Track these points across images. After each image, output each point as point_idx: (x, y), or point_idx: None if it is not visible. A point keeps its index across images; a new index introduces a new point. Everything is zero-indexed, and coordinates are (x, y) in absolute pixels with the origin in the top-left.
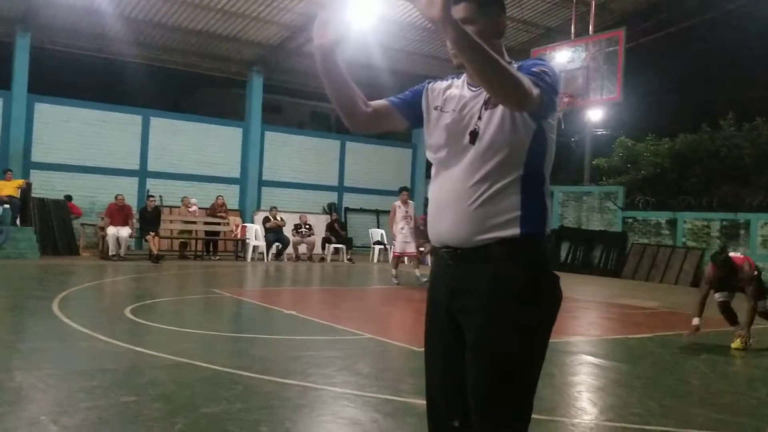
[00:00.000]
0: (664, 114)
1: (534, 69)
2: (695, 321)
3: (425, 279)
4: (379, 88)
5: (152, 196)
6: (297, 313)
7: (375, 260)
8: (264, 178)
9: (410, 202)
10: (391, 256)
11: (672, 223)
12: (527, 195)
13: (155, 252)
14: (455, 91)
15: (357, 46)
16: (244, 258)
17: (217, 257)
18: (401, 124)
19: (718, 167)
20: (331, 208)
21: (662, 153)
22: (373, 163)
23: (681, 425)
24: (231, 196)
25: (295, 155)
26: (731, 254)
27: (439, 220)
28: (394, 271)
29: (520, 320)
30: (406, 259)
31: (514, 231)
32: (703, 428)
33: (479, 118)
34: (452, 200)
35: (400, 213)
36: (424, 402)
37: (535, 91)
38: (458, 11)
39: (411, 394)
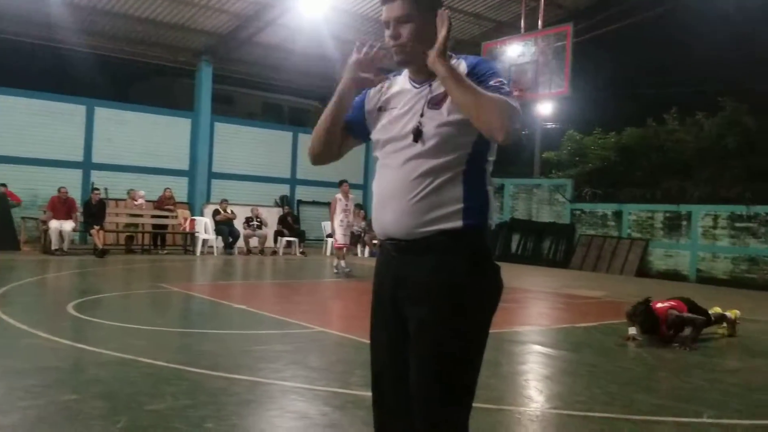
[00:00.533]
0: (611, 108)
1: (492, 82)
2: (631, 331)
3: (340, 271)
4: (331, 80)
5: (97, 189)
6: (247, 308)
7: (328, 253)
8: (214, 170)
9: (350, 195)
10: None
11: (618, 215)
12: (470, 188)
13: (100, 246)
14: (397, 89)
15: (310, 37)
16: (194, 252)
17: (165, 251)
18: (356, 143)
19: (662, 161)
20: (283, 201)
21: (609, 146)
22: None
23: (624, 411)
24: (179, 188)
25: (246, 147)
26: (659, 304)
27: (383, 212)
28: (343, 263)
29: (462, 310)
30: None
31: (457, 223)
32: (645, 414)
33: (422, 115)
34: (396, 193)
35: (340, 205)
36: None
37: (517, 109)
38: (394, 9)
39: (361, 386)
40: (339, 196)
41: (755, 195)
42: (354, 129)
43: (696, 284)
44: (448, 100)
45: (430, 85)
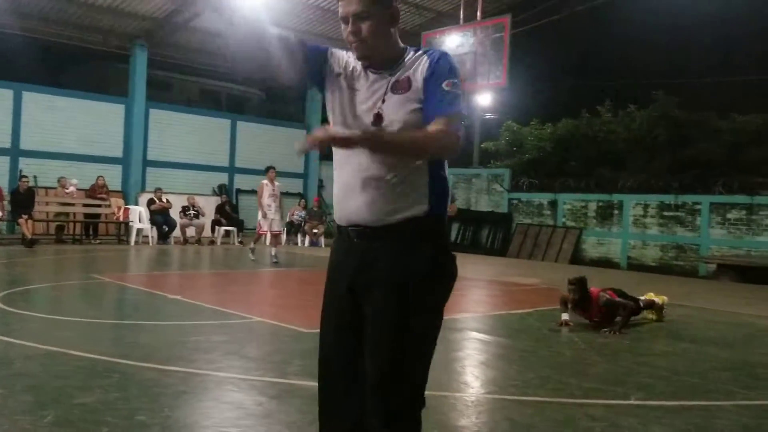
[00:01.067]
0: (548, 99)
1: (444, 85)
2: (564, 316)
3: (276, 260)
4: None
5: (25, 177)
6: (182, 298)
7: (267, 242)
8: (149, 158)
9: (277, 182)
10: (271, 235)
11: (553, 204)
12: (433, 177)
13: (29, 236)
14: (359, 69)
15: (250, 23)
16: (128, 241)
17: (98, 241)
18: (299, 66)
19: (596, 151)
20: (221, 190)
21: (545, 137)
22: (265, 144)
23: (556, 394)
24: (113, 176)
25: (182, 134)
26: (591, 288)
27: (347, 199)
28: (251, 246)
29: (423, 295)
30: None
31: (422, 211)
32: (576, 396)
33: (383, 101)
34: (363, 180)
35: (267, 191)
36: (311, 383)
37: (457, 135)
38: (352, 5)
39: (298, 375)
40: (265, 181)
41: (683, 185)
42: (311, 57)
43: (627, 271)
44: (413, 89)
45: (391, 74)
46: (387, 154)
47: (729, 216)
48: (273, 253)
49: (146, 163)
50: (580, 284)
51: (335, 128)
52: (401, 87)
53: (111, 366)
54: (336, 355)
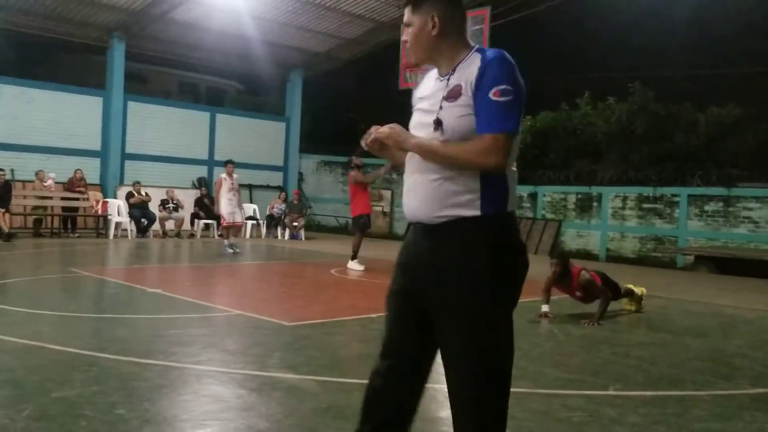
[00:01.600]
0: (527, 92)
1: (490, 94)
2: (544, 308)
3: (236, 250)
4: (249, 60)
5: (2, 170)
6: (162, 292)
7: (247, 236)
8: (127, 151)
9: (235, 174)
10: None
11: (533, 196)
12: (487, 177)
13: (6, 230)
14: (428, 81)
15: (227, 15)
16: (106, 235)
17: (77, 235)
18: None
19: (575, 144)
20: (200, 183)
21: (524, 130)
22: (245, 137)
23: (534, 386)
24: (91, 169)
25: (161, 127)
26: (574, 266)
27: (410, 197)
28: (226, 242)
29: (486, 295)
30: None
31: (475, 210)
32: (554, 387)
33: (441, 107)
34: (420, 179)
35: (226, 185)
36: (292, 376)
37: (499, 154)
38: (405, 14)
39: (279, 368)
40: (224, 176)
41: (661, 177)
42: None
43: (606, 263)
44: (463, 95)
45: (448, 80)
46: (436, 162)
47: (707, 208)
48: (228, 243)
49: (125, 156)
50: (562, 260)
51: (397, 128)
52: (452, 94)
53: (90, 360)
54: (400, 350)
